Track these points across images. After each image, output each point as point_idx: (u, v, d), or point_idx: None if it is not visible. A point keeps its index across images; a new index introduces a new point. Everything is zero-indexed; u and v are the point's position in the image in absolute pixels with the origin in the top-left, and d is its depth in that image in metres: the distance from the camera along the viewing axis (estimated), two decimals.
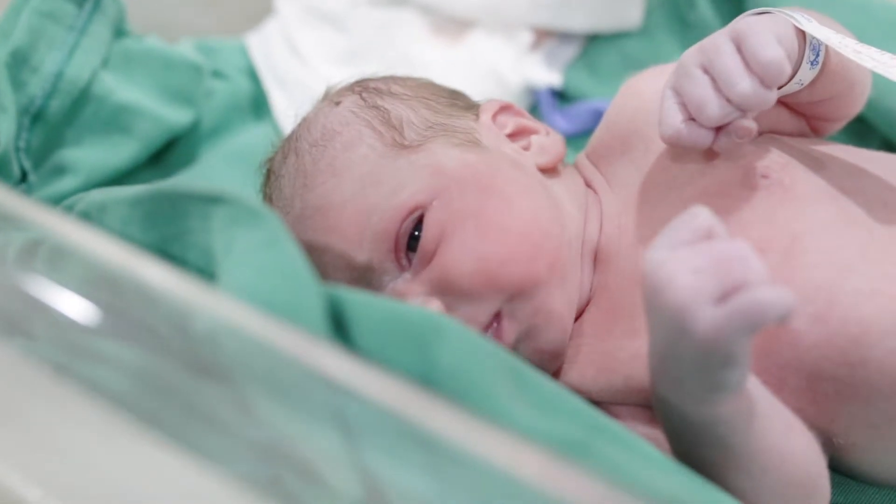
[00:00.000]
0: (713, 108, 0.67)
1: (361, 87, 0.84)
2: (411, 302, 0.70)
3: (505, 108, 0.85)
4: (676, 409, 0.61)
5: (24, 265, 0.58)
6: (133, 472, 0.55)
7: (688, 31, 1.19)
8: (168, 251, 0.61)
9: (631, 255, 0.75)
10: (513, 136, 0.83)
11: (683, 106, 0.69)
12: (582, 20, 1.21)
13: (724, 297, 0.55)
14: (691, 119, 0.69)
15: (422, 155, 0.76)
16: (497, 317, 0.72)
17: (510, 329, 0.72)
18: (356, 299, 0.54)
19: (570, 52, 1.24)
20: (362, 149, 0.76)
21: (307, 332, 0.49)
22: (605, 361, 0.74)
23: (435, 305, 0.70)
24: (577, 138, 1.14)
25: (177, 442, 0.55)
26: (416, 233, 0.73)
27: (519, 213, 0.74)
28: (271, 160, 0.85)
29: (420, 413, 0.45)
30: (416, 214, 0.72)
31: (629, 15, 1.20)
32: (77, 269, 0.55)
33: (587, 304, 0.78)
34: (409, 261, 0.73)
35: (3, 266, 0.60)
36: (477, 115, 0.83)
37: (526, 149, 0.82)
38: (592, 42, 1.24)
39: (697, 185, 0.74)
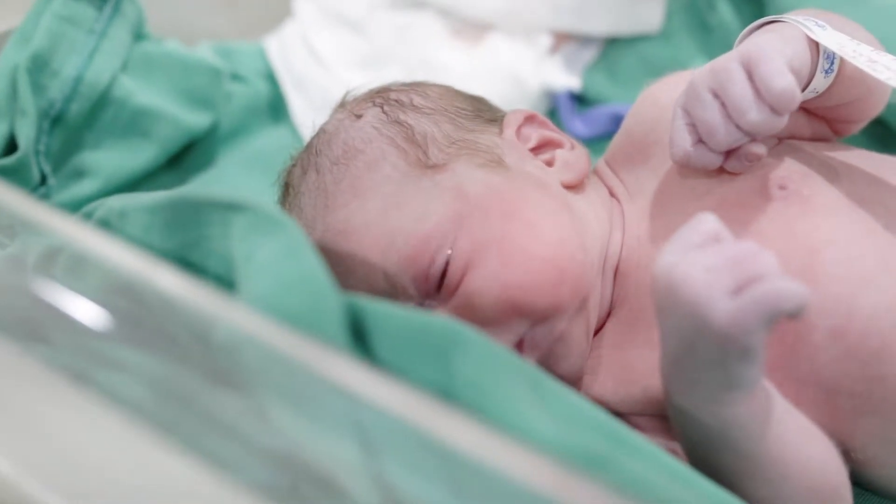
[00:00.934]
0: (722, 134, 0.68)
1: (382, 100, 0.82)
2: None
3: (529, 119, 0.84)
4: (692, 415, 0.61)
5: (43, 273, 0.58)
6: (150, 479, 0.55)
7: (708, 34, 1.18)
8: (188, 258, 0.60)
9: (649, 266, 0.74)
10: (536, 149, 0.82)
11: (693, 127, 0.70)
12: (601, 23, 1.21)
13: (739, 289, 0.56)
14: (701, 141, 0.70)
15: (446, 176, 0.75)
16: (522, 341, 0.72)
17: (530, 356, 0.72)
18: (376, 309, 0.54)
19: (589, 55, 1.24)
20: (386, 169, 0.75)
21: (326, 343, 0.49)
22: (625, 373, 0.73)
23: None
24: (596, 142, 1.14)
25: (194, 450, 0.54)
26: (442, 261, 0.72)
27: (543, 238, 0.73)
28: (289, 173, 0.84)
29: (438, 425, 0.45)
30: (443, 245, 0.72)
31: (649, 18, 1.20)
32: (96, 277, 0.55)
33: (608, 315, 0.78)
34: (435, 288, 0.72)
35: (22, 273, 0.60)
36: (500, 129, 0.82)
37: (549, 164, 0.81)
38: (611, 45, 1.24)
39: (716, 195, 0.74)
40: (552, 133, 0.84)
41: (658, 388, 0.69)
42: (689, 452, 0.66)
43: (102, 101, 0.99)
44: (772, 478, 0.63)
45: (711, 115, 0.68)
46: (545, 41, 1.22)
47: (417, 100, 0.82)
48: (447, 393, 0.52)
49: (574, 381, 0.75)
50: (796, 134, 0.79)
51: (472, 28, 1.25)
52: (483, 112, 0.84)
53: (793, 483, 0.63)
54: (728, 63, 0.68)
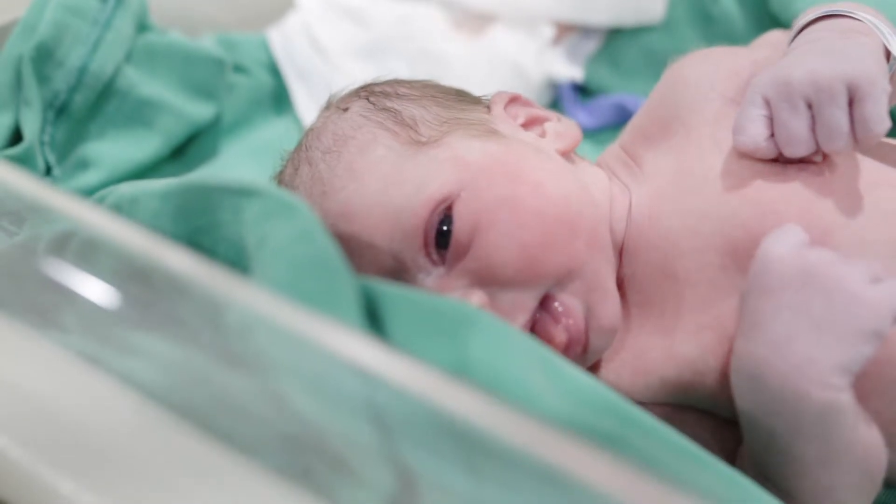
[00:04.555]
0: (803, 148, 0.69)
1: (367, 92, 0.82)
2: (451, 296, 0.69)
3: (513, 100, 0.84)
4: (792, 402, 0.61)
5: (55, 256, 0.58)
6: (164, 462, 0.55)
7: (711, 24, 1.18)
8: (199, 244, 0.61)
9: (660, 247, 0.74)
10: (526, 125, 0.82)
11: (769, 120, 0.70)
12: (603, 14, 1.21)
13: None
14: (771, 136, 0.70)
15: (441, 149, 0.74)
16: (547, 299, 0.71)
17: (574, 304, 0.71)
18: (390, 292, 0.54)
19: (591, 46, 1.24)
20: (379, 150, 0.74)
21: (340, 323, 0.49)
22: (639, 362, 0.73)
23: (477, 297, 0.69)
24: (598, 132, 1.14)
25: (209, 434, 0.55)
26: (445, 227, 0.71)
27: (550, 196, 0.72)
28: (281, 174, 0.83)
29: (453, 403, 0.45)
30: (444, 206, 0.71)
31: (651, 9, 1.20)
32: (109, 260, 0.55)
33: None
34: (441, 256, 0.71)
35: (34, 259, 0.60)
36: (488, 108, 0.82)
37: (542, 136, 0.81)
38: (614, 36, 1.24)
39: (734, 176, 0.73)
40: (538, 110, 0.84)
41: (675, 379, 0.70)
42: (756, 447, 0.65)
43: (106, 92, 1.00)
44: (846, 462, 0.62)
45: (799, 125, 0.68)
46: (547, 32, 1.22)
47: (402, 89, 0.82)
48: (460, 374, 0.52)
49: (614, 334, 0.74)
50: None
51: (474, 19, 1.26)
52: (466, 96, 0.84)
53: (859, 468, 0.63)
54: (834, 83, 0.67)
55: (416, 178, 0.72)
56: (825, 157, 0.73)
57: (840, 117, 0.67)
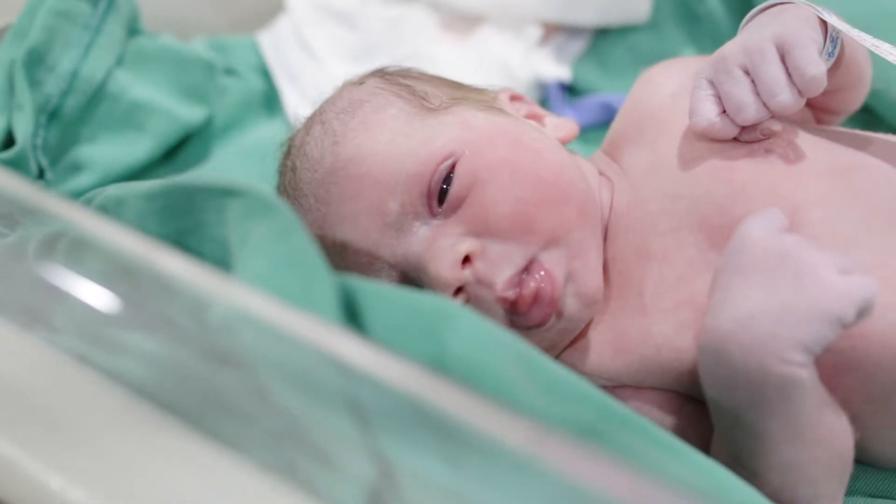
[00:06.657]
0: (751, 112, 0.72)
1: (382, 73, 0.87)
2: (444, 242, 0.73)
3: (517, 97, 0.89)
4: (754, 375, 0.62)
5: (44, 258, 0.59)
6: (153, 458, 0.56)
7: (696, 24, 1.19)
8: (184, 244, 0.62)
9: (638, 230, 0.77)
10: (527, 117, 0.86)
11: (718, 99, 0.74)
12: (590, 14, 1.22)
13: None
14: (723, 112, 0.73)
15: (450, 116, 0.79)
16: (533, 263, 0.73)
17: (558, 270, 0.73)
18: (368, 288, 0.55)
19: (578, 46, 1.25)
20: (392, 110, 0.79)
21: (321, 319, 0.50)
22: (620, 341, 0.75)
23: (469, 244, 0.72)
24: (586, 131, 1.15)
25: (195, 430, 0.56)
26: (445, 186, 0.74)
27: (548, 163, 0.76)
28: (291, 138, 0.87)
29: (433, 397, 0.46)
30: (450, 161, 0.74)
31: (637, 8, 1.21)
32: (97, 260, 0.56)
33: None
34: (440, 207, 0.75)
35: (24, 260, 0.61)
36: (494, 96, 0.87)
37: (542, 127, 0.85)
38: (600, 36, 1.25)
39: (705, 161, 0.76)
40: (539, 109, 0.89)
41: (654, 359, 0.72)
42: (723, 421, 0.67)
43: (98, 96, 1.00)
44: (806, 441, 0.64)
45: (742, 91, 0.72)
46: (535, 33, 1.23)
47: (414, 73, 0.87)
48: (439, 369, 0.53)
49: (594, 305, 0.76)
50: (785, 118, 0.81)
51: (463, 21, 1.27)
52: (472, 86, 0.89)
53: (823, 448, 0.65)
54: (763, 43, 0.71)
55: (425, 134, 0.77)
56: (793, 139, 0.75)
57: (775, 72, 0.70)
